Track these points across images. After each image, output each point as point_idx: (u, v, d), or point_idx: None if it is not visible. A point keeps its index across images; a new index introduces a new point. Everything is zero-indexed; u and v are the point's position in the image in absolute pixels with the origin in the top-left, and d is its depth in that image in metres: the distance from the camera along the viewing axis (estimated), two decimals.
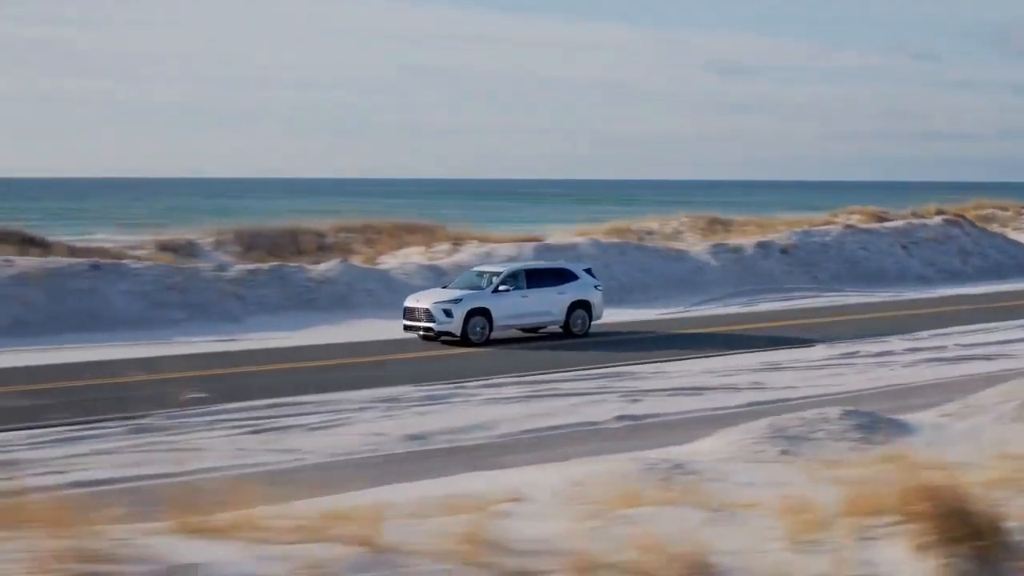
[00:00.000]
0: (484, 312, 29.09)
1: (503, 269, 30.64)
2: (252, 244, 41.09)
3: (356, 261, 37.60)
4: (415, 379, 23.97)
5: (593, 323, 31.05)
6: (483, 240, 40.40)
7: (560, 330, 30.62)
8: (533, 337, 30.71)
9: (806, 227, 47.63)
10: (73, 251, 33.92)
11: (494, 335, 29.27)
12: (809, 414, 16.59)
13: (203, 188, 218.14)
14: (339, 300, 34.19)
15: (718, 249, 43.08)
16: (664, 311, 36.52)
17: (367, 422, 20.20)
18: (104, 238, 48.50)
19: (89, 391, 22.73)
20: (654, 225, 50.42)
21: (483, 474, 15.47)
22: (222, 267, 34.09)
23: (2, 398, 21.90)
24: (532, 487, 11.95)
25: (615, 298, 38.10)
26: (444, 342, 28.88)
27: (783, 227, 48.38)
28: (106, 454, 17.81)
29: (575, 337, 30.23)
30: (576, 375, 24.84)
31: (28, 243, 36.66)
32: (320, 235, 43.09)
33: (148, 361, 25.96)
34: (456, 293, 29.37)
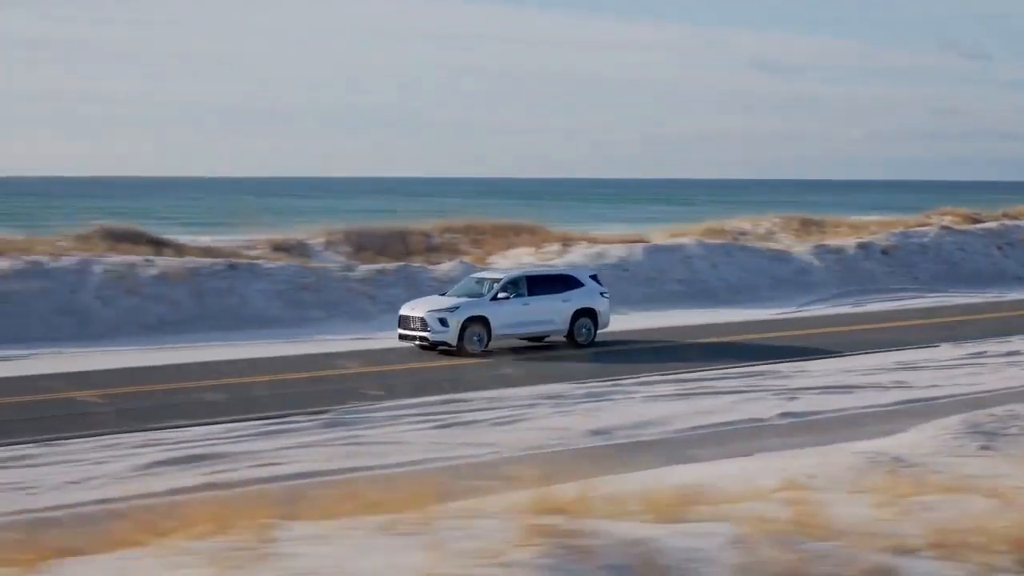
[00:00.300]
0: (482, 321, 27.91)
1: (503, 276, 29.42)
2: (362, 244, 41.81)
3: (467, 261, 38.36)
4: (571, 377, 24.70)
5: (600, 331, 29.75)
6: (592, 240, 41.09)
7: (564, 339, 29.47)
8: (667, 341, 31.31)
9: (902, 228, 48.05)
10: (208, 252, 34.82)
11: (493, 344, 28.16)
12: (999, 411, 17.25)
13: (247, 188, 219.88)
14: None
15: (820, 250, 43.62)
16: (777, 311, 37.06)
17: (542, 418, 20.96)
18: (209, 238, 49.50)
19: (262, 387, 23.64)
20: (747, 226, 50.84)
21: (690, 467, 16.28)
22: (349, 267, 34.98)
23: (187, 393, 22.87)
24: (769, 476, 12.71)
25: (726, 299, 38.81)
26: (441, 352, 27.88)
27: (876, 228, 48.87)
28: (309, 447, 18.64)
29: (580, 347, 29.02)
30: (723, 374, 25.49)
31: (154, 243, 37.71)
32: (426, 235, 43.86)
33: (307, 359, 26.93)
34: (453, 301, 28.34)
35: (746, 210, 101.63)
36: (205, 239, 50.45)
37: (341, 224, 44.30)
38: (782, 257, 42.45)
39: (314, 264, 35.08)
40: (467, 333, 27.62)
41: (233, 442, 18.93)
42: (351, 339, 30.24)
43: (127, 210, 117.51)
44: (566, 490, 11.00)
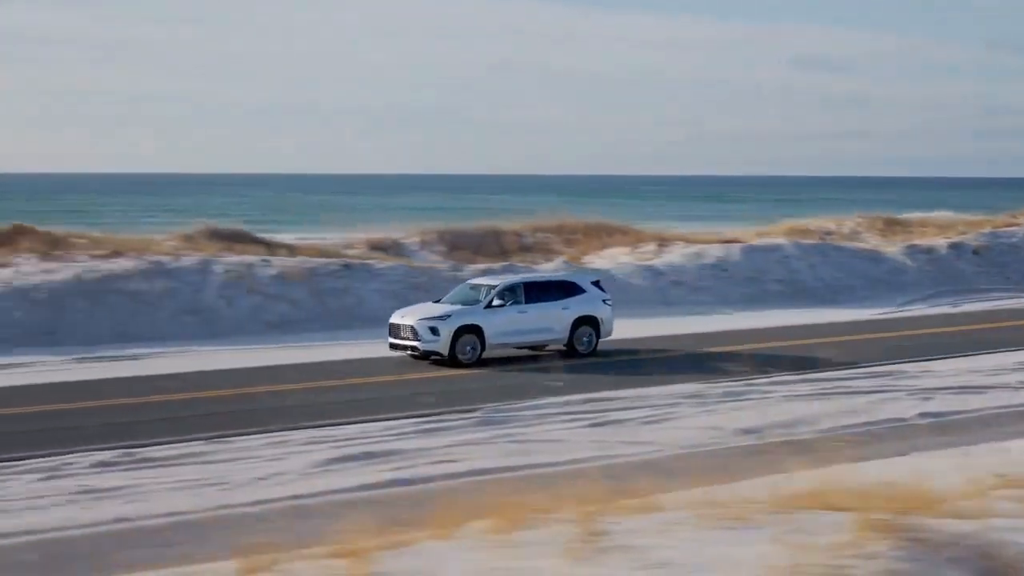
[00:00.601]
0: (475, 330, 26.61)
1: (499, 282, 28.15)
2: (456, 244, 42.27)
3: (569, 261, 38.75)
4: (703, 376, 25.05)
5: (602, 341, 28.52)
6: (688, 240, 41.39)
7: (564, 348, 28.16)
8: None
9: (990, 228, 48.09)
10: (320, 252, 35.38)
11: (487, 354, 26.93)
12: None
13: (284, 185, 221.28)
14: None
15: (912, 250, 43.74)
16: (877, 312, 37.23)
17: (690, 416, 21.31)
18: (297, 237, 50.06)
19: (400, 386, 24.16)
20: (831, 225, 51.00)
21: (875, 464, 16.65)
22: (456, 267, 35.44)
23: (335, 392, 23.41)
24: (958, 473, 13.05)
25: (825, 299, 39.03)
26: (434, 362, 26.67)
27: (964, 228, 48.92)
28: (472, 445, 19.06)
29: (581, 357, 27.76)
30: (851, 374, 25.74)
31: (256, 242, 38.30)
32: (518, 235, 44.23)
33: None
34: (445, 309, 27.04)
35: (804, 209, 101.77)
36: (286, 237, 51.15)
37: (435, 224, 44.78)
38: (875, 257, 42.61)
39: (421, 264, 35.54)
40: (459, 343, 26.37)
41: (396, 439, 19.39)
42: None
43: (184, 207, 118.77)
44: (788, 483, 11.41)
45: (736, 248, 40.22)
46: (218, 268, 32.10)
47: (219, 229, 39.90)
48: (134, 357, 27.56)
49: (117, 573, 12.79)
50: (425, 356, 26.56)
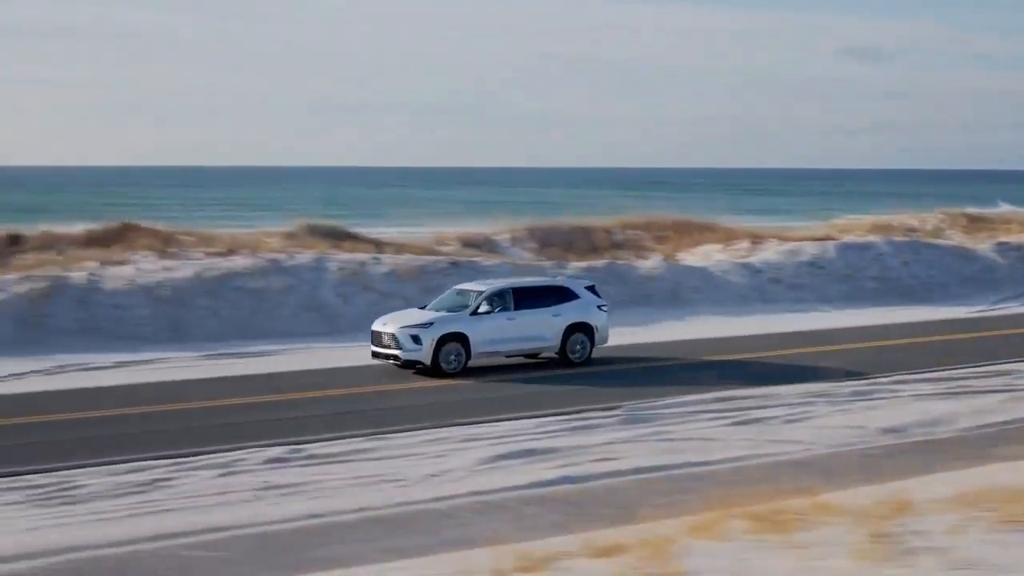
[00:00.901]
0: (460, 338, 25.54)
1: (486, 288, 26.87)
2: (547, 241, 42.66)
3: (668, 259, 39.13)
4: (825, 374, 25.45)
5: (596, 348, 27.35)
6: (783, 238, 41.70)
7: (556, 356, 27.07)
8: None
9: None
10: (426, 250, 35.96)
11: (473, 363, 25.88)
12: None
13: (337, 178, 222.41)
14: (671, 297, 35.96)
15: (1002, 247, 43.86)
16: (973, 309, 37.42)
17: (826, 415, 21.71)
18: (383, 231, 50.63)
19: (544, 383, 24.70)
20: (914, 222, 51.10)
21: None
22: (560, 265, 35.94)
23: (461, 391, 23.99)
24: None
25: (920, 297, 39.30)
26: (418, 372, 25.60)
27: None
28: (626, 443, 19.55)
29: (574, 366, 26.70)
30: (970, 372, 26.01)
31: (353, 239, 38.91)
32: (608, 232, 44.62)
33: None
34: (428, 316, 26.01)
35: (852, 203, 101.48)
36: (369, 232, 51.69)
37: (524, 220, 45.22)
38: (966, 255, 42.77)
39: (524, 262, 36.06)
40: (443, 351, 25.29)
41: (550, 437, 19.93)
42: None
43: (242, 200, 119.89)
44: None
45: (830, 245, 40.49)
46: (331, 265, 32.75)
47: (318, 225, 40.63)
48: (261, 354, 28.25)
49: (335, 568, 13.32)
50: (412, 365, 25.53)
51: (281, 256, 32.97)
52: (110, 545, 14.26)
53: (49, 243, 36.54)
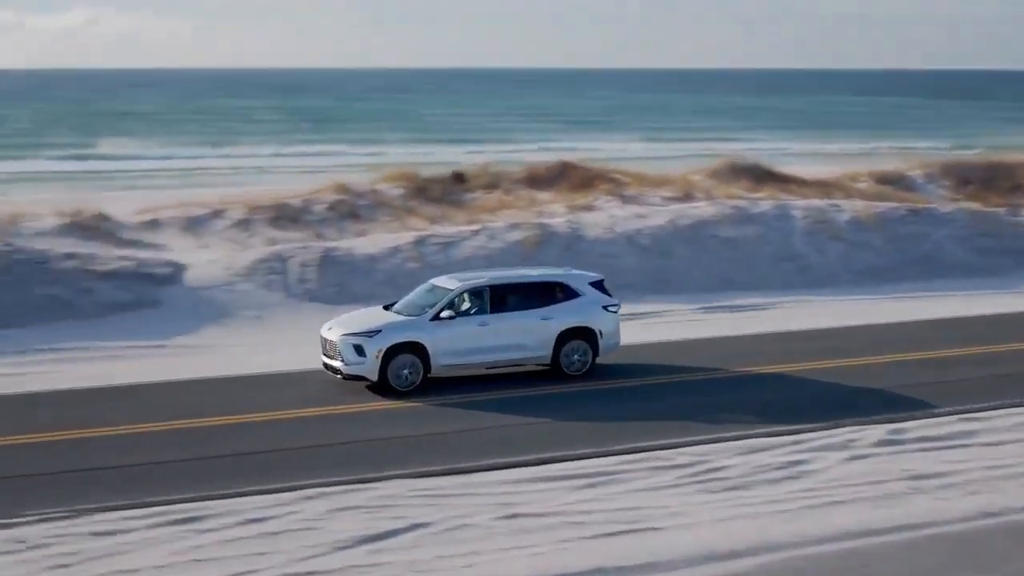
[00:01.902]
0: (415, 348, 20.96)
1: (458, 285, 21.82)
2: (964, 178, 41.68)
3: None
4: None
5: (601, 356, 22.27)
6: None
7: (547, 367, 22.05)
8: None
9: None
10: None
11: (434, 375, 21.25)
12: None
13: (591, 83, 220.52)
14: None
15: None
16: None
17: None
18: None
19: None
20: None
21: None
22: (1013, 212, 35.22)
23: None
24: None
25: None
26: (369, 388, 21.12)
27: None
28: None
29: (572, 379, 21.76)
30: None
31: (779, 179, 38.91)
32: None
33: None
34: (380, 320, 21.39)
35: None
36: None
37: (935, 156, 44.34)
38: None
39: (980, 210, 35.30)
40: (392, 365, 20.78)
41: None
42: None
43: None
44: None
45: None
46: (796, 214, 32.92)
47: (738, 164, 40.82)
48: (755, 307, 28.68)
49: None
50: (360, 379, 21.10)
51: (743, 203, 33.31)
52: None
53: (492, 182, 37.94)
